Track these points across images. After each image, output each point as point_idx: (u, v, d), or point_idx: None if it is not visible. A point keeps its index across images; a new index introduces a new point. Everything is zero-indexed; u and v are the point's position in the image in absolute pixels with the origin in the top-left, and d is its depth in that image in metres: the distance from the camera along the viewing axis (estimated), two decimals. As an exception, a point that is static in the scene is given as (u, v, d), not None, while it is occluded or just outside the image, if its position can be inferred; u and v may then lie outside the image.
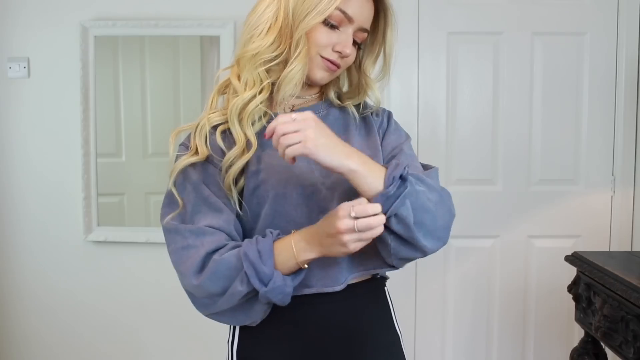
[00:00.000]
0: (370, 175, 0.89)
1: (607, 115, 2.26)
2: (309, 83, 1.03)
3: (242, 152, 0.98)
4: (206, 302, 0.96)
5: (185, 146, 1.03)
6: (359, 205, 0.84)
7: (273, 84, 1.00)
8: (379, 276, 1.09)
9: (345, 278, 1.00)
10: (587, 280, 1.75)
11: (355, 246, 0.87)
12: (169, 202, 1.01)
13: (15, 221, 2.37)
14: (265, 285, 0.89)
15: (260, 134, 1.00)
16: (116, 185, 2.36)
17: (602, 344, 1.79)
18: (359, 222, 0.84)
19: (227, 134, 1.00)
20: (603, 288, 1.64)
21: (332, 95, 1.09)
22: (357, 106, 1.10)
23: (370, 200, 0.88)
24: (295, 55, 0.97)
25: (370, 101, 1.12)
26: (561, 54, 2.25)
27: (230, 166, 0.97)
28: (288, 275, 0.92)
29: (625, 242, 2.27)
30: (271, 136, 0.89)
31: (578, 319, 1.84)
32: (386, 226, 0.88)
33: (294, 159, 0.89)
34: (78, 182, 2.31)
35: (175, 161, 1.01)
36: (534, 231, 2.30)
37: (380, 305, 1.09)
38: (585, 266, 1.75)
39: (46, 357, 2.41)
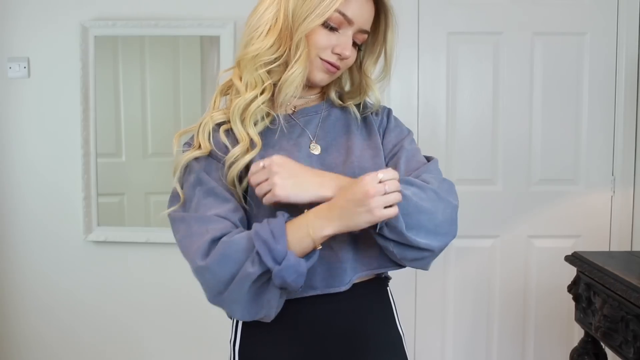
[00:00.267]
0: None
1: (607, 115, 2.26)
2: (308, 84, 1.03)
3: (246, 151, 0.98)
4: (216, 290, 0.91)
5: (188, 145, 1.03)
6: (384, 171, 0.88)
7: (275, 84, 1.00)
8: (382, 276, 1.09)
9: (350, 278, 0.99)
10: (587, 280, 1.75)
11: (381, 213, 0.87)
12: (174, 198, 1.01)
13: (15, 221, 2.37)
14: (279, 263, 0.86)
15: (263, 133, 1.01)
16: (116, 185, 2.36)
17: (602, 344, 1.79)
18: (387, 183, 0.86)
19: (230, 133, 1.01)
20: (603, 288, 1.64)
21: (333, 95, 1.10)
22: (357, 106, 1.10)
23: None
24: (296, 58, 0.97)
25: (370, 101, 1.12)
26: (561, 54, 2.25)
27: (233, 163, 0.97)
28: (301, 257, 0.90)
29: (625, 242, 2.27)
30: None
31: (578, 319, 1.84)
32: (382, 235, 0.91)
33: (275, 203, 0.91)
34: (78, 182, 2.31)
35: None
36: (534, 231, 2.30)
37: (383, 305, 1.09)
38: (585, 266, 1.75)
39: (46, 357, 2.41)
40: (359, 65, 1.08)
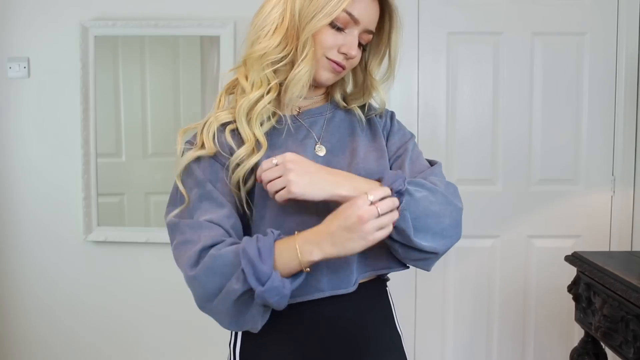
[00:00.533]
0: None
1: (607, 115, 2.26)
2: (314, 84, 1.03)
3: (252, 152, 0.98)
4: (204, 299, 0.92)
5: (190, 143, 1.03)
6: (374, 191, 0.87)
7: (281, 84, 1.00)
8: (383, 277, 1.09)
9: (356, 279, 1.00)
10: (587, 280, 1.75)
11: (375, 236, 0.86)
12: (173, 200, 1.01)
13: (15, 221, 2.37)
14: (263, 284, 0.86)
15: (269, 133, 1.01)
16: (116, 185, 2.36)
17: (602, 344, 1.79)
18: (380, 204, 0.86)
19: (236, 133, 1.01)
20: (603, 288, 1.64)
21: (337, 96, 1.10)
22: (361, 107, 1.10)
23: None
24: (302, 57, 0.97)
25: (374, 103, 1.12)
26: (561, 54, 2.25)
27: (238, 164, 0.97)
28: (287, 278, 0.90)
29: (625, 242, 2.27)
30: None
31: (578, 319, 1.84)
32: (390, 236, 0.91)
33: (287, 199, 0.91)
34: (78, 182, 2.31)
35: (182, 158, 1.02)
36: (534, 231, 2.30)
37: (383, 306, 1.09)
38: (585, 266, 1.75)
39: (46, 357, 2.41)
40: (363, 65, 1.09)
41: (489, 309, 2.34)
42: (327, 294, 0.98)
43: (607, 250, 2.25)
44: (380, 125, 1.10)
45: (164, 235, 2.47)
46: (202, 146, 0.99)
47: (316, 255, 0.88)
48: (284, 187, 0.90)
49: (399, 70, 1.08)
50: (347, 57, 1.00)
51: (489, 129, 2.28)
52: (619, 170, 2.25)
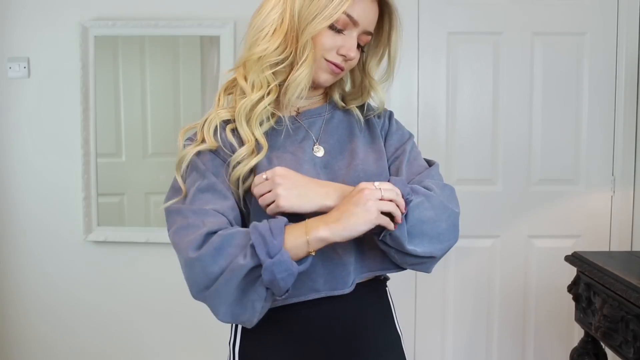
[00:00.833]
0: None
1: (607, 115, 2.26)
2: (312, 85, 1.03)
3: (252, 152, 0.98)
4: (202, 284, 0.89)
5: (191, 140, 1.03)
6: (382, 183, 0.90)
7: (280, 85, 1.00)
8: (382, 277, 1.09)
9: (353, 280, 1.00)
10: (587, 280, 1.75)
11: (378, 215, 0.87)
12: (173, 193, 1.00)
13: (15, 221, 2.37)
14: (272, 258, 0.85)
15: (268, 134, 1.01)
16: (116, 185, 2.36)
17: (602, 344, 1.79)
18: (384, 191, 0.88)
19: (236, 132, 1.00)
20: (603, 288, 1.64)
21: (336, 97, 1.10)
22: (360, 108, 1.10)
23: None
24: (302, 60, 0.97)
25: (373, 103, 1.12)
26: (561, 54, 2.25)
27: (239, 163, 0.97)
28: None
29: (625, 242, 2.27)
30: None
31: (578, 319, 1.84)
32: (384, 242, 0.92)
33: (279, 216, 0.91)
34: (78, 182, 2.31)
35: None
36: (534, 231, 2.30)
37: (382, 306, 1.09)
38: (585, 266, 1.75)
39: (46, 357, 2.41)
40: (361, 66, 1.08)
41: (489, 309, 2.34)
42: (323, 294, 0.98)
43: (607, 250, 2.25)
44: (379, 125, 1.10)
45: (164, 235, 2.46)
46: (203, 142, 0.99)
47: (323, 231, 0.87)
48: (273, 202, 0.91)
49: (398, 70, 1.08)
50: (346, 58, 1.00)
51: (489, 129, 2.28)
52: (619, 170, 2.25)
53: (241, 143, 0.99)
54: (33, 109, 2.33)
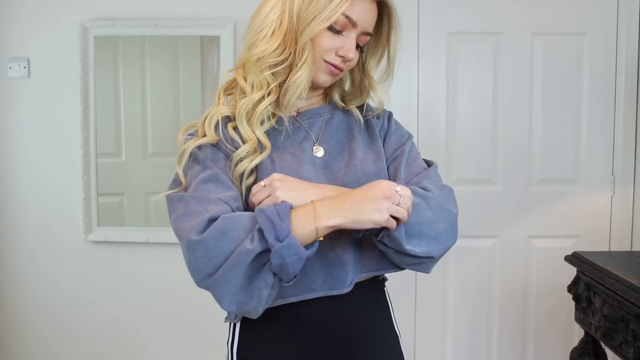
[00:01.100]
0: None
1: (607, 115, 2.26)
2: (312, 86, 1.03)
3: (255, 150, 0.97)
4: (206, 270, 0.86)
5: (192, 136, 1.02)
6: (403, 187, 0.90)
7: (280, 85, 1.00)
8: (380, 277, 1.09)
9: (351, 280, 1.00)
10: (587, 280, 1.75)
11: (386, 218, 0.87)
12: (175, 185, 1.00)
13: (15, 221, 2.37)
14: (281, 242, 0.83)
15: (269, 134, 1.01)
16: (116, 185, 2.36)
17: (602, 344, 1.79)
18: (402, 197, 0.88)
19: (237, 130, 1.00)
20: (603, 288, 1.64)
21: (336, 97, 1.10)
22: (359, 108, 1.10)
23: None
24: (302, 61, 0.97)
25: (372, 103, 1.12)
26: (561, 54, 2.25)
27: (242, 160, 0.97)
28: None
29: (625, 242, 2.27)
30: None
31: (578, 319, 1.84)
32: (382, 242, 0.92)
33: None
34: (78, 182, 2.31)
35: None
36: (534, 231, 2.30)
37: (380, 306, 1.09)
38: (585, 266, 1.75)
39: (46, 357, 2.41)
40: (361, 66, 1.08)
41: (489, 309, 2.34)
42: (321, 294, 0.98)
43: (607, 250, 2.25)
44: (378, 126, 1.10)
45: (164, 235, 2.47)
46: (204, 136, 0.99)
47: (333, 220, 0.87)
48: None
49: (398, 70, 1.08)
50: (345, 59, 1.00)
51: (489, 129, 2.28)
52: (619, 170, 2.25)
53: (242, 140, 0.99)
54: (33, 109, 2.33)
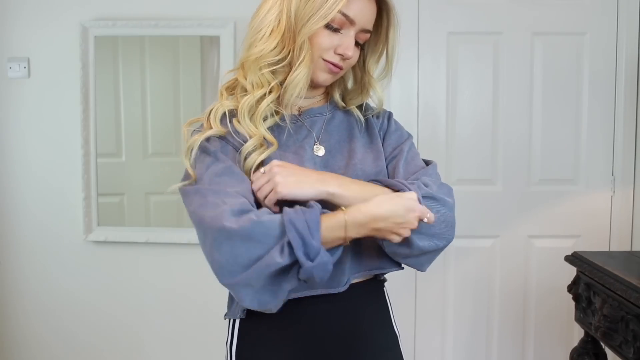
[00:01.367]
0: (348, 194, 0.92)
1: (607, 115, 2.26)
2: (312, 85, 1.04)
3: (261, 145, 0.97)
4: (230, 272, 0.86)
5: (197, 131, 1.02)
6: (427, 210, 0.93)
7: (281, 83, 1.00)
8: (380, 278, 1.09)
9: (347, 279, 1.00)
10: (587, 280, 1.75)
11: (407, 233, 0.92)
12: (187, 177, 0.99)
13: (15, 221, 2.37)
14: (312, 260, 0.84)
15: (274, 129, 1.01)
16: (116, 185, 2.36)
17: (602, 343, 1.79)
18: (428, 214, 0.93)
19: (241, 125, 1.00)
20: (603, 288, 1.64)
21: (336, 96, 1.10)
22: (359, 108, 1.10)
23: None
24: (300, 60, 0.97)
25: (372, 103, 1.12)
26: (561, 54, 2.25)
27: (250, 153, 0.97)
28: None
29: (625, 242, 2.27)
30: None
31: (578, 319, 1.84)
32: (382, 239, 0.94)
33: (278, 207, 0.92)
34: (78, 182, 2.31)
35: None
36: (534, 231, 2.30)
37: (379, 306, 1.09)
38: (585, 266, 1.75)
39: (46, 357, 2.41)
40: (362, 63, 1.09)
41: (489, 309, 2.34)
42: (318, 292, 0.98)
43: (607, 250, 2.25)
44: (377, 126, 1.10)
45: (164, 235, 2.46)
46: (211, 130, 0.99)
47: (359, 234, 0.90)
48: (271, 191, 0.91)
49: (399, 70, 1.09)
50: (344, 57, 1.00)
51: (489, 129, 2.28)
52: (619, 170, 2.25)
53: (248, 134, 0.99)
54: (33, 109, 2.33)
